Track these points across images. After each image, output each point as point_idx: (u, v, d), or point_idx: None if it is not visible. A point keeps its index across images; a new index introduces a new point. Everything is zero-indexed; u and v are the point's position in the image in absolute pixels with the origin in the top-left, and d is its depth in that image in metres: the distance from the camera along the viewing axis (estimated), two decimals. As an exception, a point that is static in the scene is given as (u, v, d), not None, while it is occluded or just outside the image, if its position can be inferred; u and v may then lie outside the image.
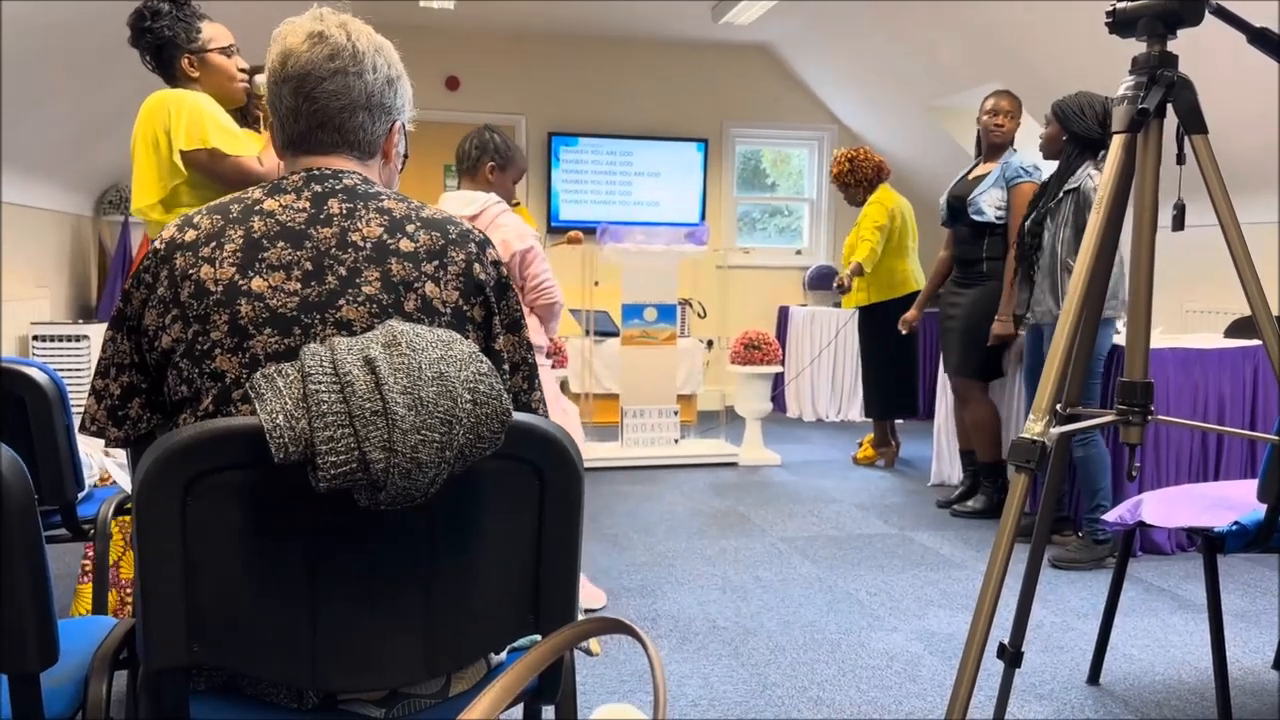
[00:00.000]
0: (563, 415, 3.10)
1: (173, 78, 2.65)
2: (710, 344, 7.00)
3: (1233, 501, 2.33)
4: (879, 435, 5.54)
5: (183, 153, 2.51)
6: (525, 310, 2.97)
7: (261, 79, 2.72)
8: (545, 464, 1.23)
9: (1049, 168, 3.91)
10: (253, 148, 2.60)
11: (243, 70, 2.71)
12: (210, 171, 2.54)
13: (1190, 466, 3.86)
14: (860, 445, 5.64)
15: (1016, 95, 4.38)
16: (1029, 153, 4.32)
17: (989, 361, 4.31)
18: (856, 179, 5.31)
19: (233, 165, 2.53)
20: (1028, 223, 3.84)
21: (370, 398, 1.08)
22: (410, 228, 1.31)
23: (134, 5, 2.62)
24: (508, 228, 2.96)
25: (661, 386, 5.49)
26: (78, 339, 4.48)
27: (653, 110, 7.55)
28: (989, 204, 4.22)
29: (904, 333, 4.94)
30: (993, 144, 4.32)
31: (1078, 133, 3.64)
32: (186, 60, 2.63)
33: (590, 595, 3.17)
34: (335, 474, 1.06)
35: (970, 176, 4.37)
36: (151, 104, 2.55)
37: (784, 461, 5.57)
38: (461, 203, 3.00)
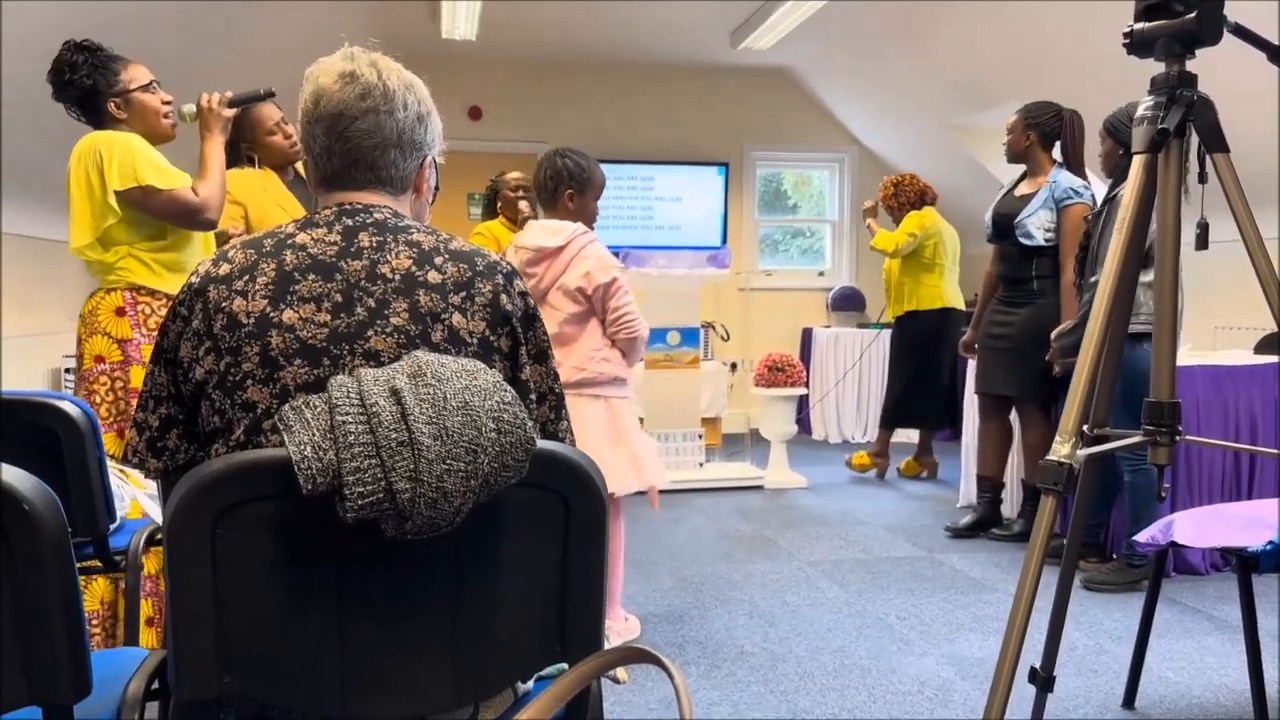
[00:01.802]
0: (645, 444, 3.05)
1: (101, 123, 2.69)
2: (734, 367, 6.99)
3: (1267, 520, 2.30)
4: (879, 445, 5.60)
5: (117, 192, 2.56)
6: (606, 343, 2.96)
7: (188, 107, 2.78)
8: (570, 492, 1.24)
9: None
10: (186, 179, 2.66)
11: (167, 103, 2.76)
12: (146, 208, 2.61)
13: (1223, 485, 3.81)
14: (901, 461, 5.67)
15: (1030, 108, 4.26)
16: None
17: (1050, 385, 4.17)
18: (899, 202, 5.49)
19: (167, 199, 2.60)
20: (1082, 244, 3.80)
21: (396, 428, 1.09)
22: (438, 260, 1.33)
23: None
24: (590, 259, 2.90)
25: (685, 410, 5.48)
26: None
27: (673, 135, 7.59)
28: (1037, 226, 4.12)
29: (966, 354, 4.82)
30: (1008, 160, 4.32)
31: (1129, 143, 3.59)
32: (112, 104, 2.68)
33: (627, 628, 3.13)
34: (362, 504, 1.07)
35: (1016, 194, 4.26)
36: (82, 147, 2.60)
37: (810, 484, 5.54)
38: (547, 234, 2.95)
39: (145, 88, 2.72)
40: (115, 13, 3.35)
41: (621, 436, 2.97)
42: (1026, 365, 4.17)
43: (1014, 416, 4.41)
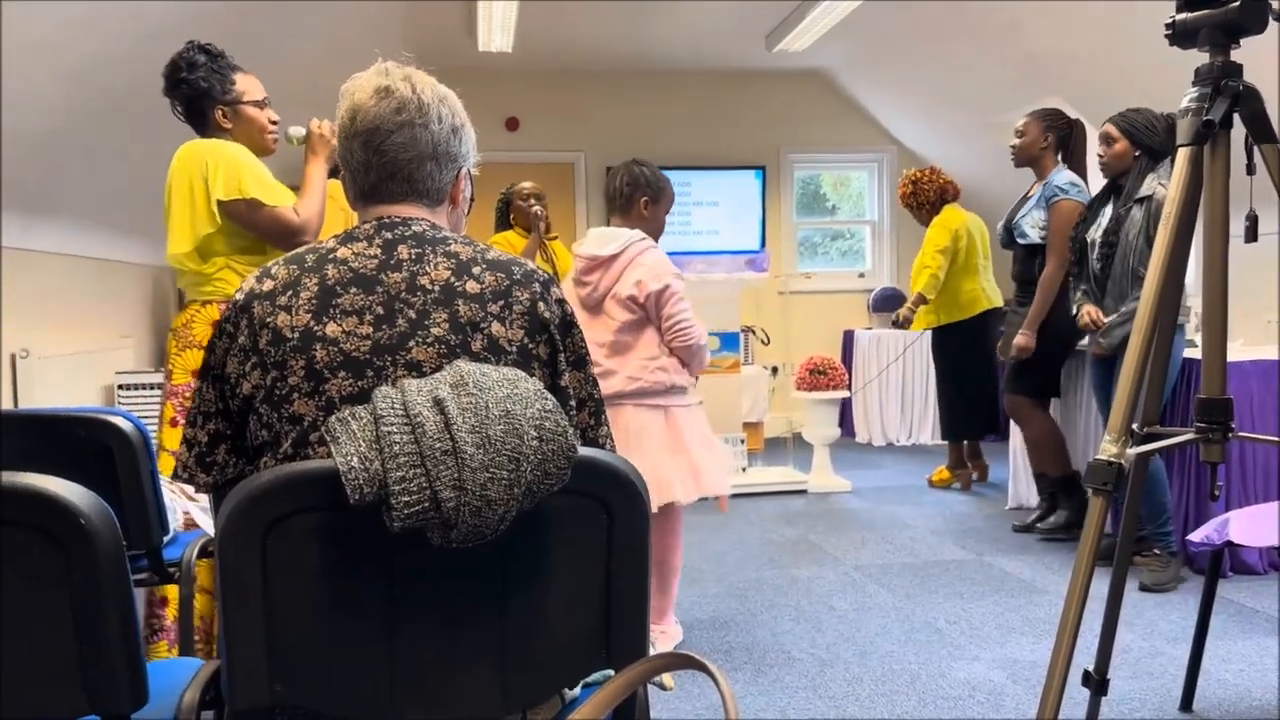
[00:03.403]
0: (710, 452, 3.03)
1: (204, 128, 2.67)
2: (775, 370, 6.96)
3: (1326, 518, 2.24)
4: (954, 457, 5.47)
5: (220, 203, 2.52)
6: (664, 351, 2.95)
7: (296, 130, 2.78)
8: (612, 497, 1.24)
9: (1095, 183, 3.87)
10: (290, 197, 2.62)
11: (274, 122, 2.74)
12: (248, 222, 2.56)
13: (1279, 482, 3.72)
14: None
15: (1045, 114, 4.33)
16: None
17: (1045, 379, 4.26)
18: (919, 200, 5.31)
19: (269, 215, 2.55)
20: (1074, 238, 3.84)
21: (440, 438, 1.10)
22: (476, 270, 1.35)
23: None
24: (645, 266, 2.89)
25: (727, 415, 5.46)
26: (160, 387, 4.62)
27: (710, 140, 7.59)
28: (1030, 225, 4.24)
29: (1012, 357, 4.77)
30: (1015, 165, 4.35)
31: (1153, 147, 3.58)
32: (220, 112, 2.65)
33: (670, 635, 3.12)
34: (409, 513, 1.08)
35: (1023, 197, 4.38)
36: (186, 154, 2.57)
37: (855, 488, 5.50)
38: (601, 241, 2.96)
39: (257, 103, 2.70)
40: (150, 23, 3.42)
41: (682, 446, 2.94)
42: (1024, 361, 4.26)
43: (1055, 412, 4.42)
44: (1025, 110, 4.46)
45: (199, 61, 2.61)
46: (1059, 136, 4.26)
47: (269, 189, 2.58)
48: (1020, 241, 4.28)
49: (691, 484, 2.91)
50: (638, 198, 3.02)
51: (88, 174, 4.00)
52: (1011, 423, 4.87)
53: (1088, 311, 3.73)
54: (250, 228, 2.57)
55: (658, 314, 2.90)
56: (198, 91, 2.62)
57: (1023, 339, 4.16)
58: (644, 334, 2.92)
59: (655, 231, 3.06)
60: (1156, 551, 3.62)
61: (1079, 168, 4.27)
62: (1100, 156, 3.74)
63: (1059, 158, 4.31)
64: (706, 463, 2.97)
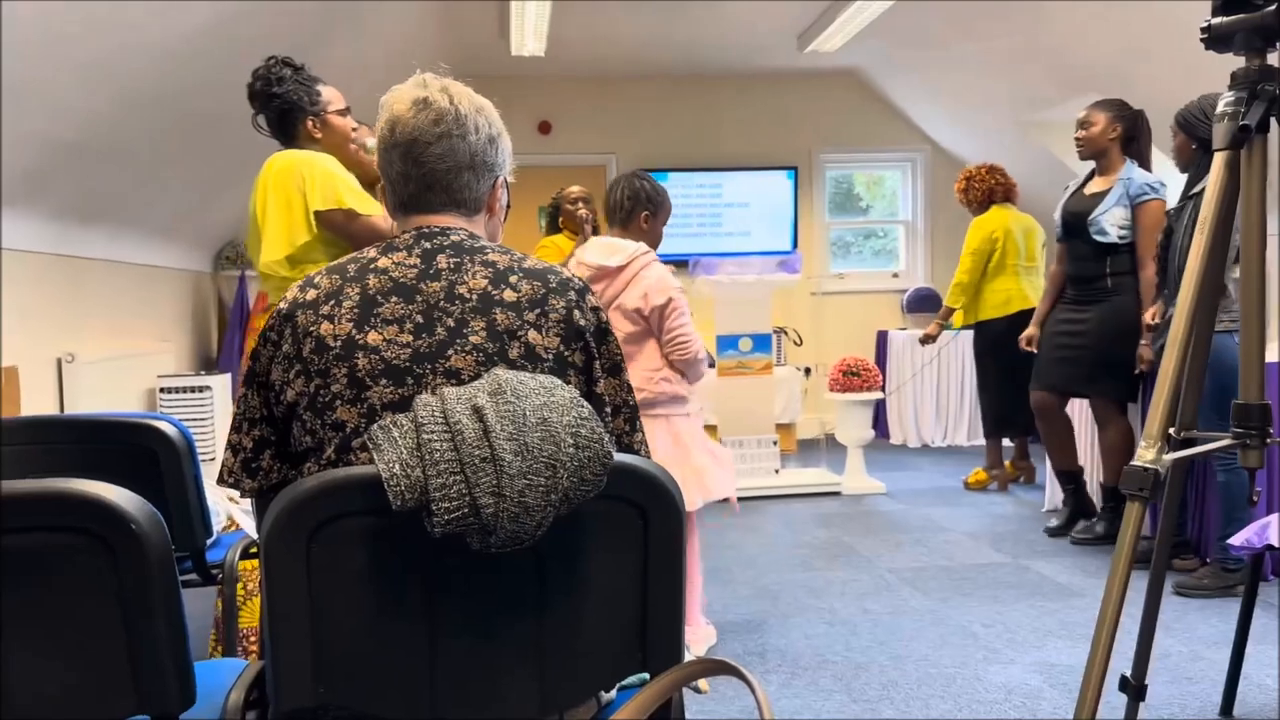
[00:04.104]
0: (713, 457, 3.07)
1: (293, 139, 2.75)
2: (808, 371, 6.95)
3: (1370, 523, 2.21)
4: (991, 458, 5.45)
5: (318, 213, 2.59)
6: (665, 362, 2.99)
7: (373, 140, 2.85)
8: (648, 503, 1.26)
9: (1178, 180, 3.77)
10: (380, 208, 2.68)
11: (355, 129, 2.82)
12: (344, 231, 2.63)
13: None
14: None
15: (1112, 104, 4.20)
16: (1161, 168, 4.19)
17: (1128, 382, 4.13)
18: (969, 198, 5.40)
19: (365, 224, 2.62)
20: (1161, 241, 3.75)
21: (479, 445, 1.12)
22: (513, 279, 1.37)
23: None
24: (649, 280, 2.95)
25: (759, 416, 5.47)
26: (201, 389, 4.70)
27: (741, 141, 7.58)
28: (1111, 223, 4.06)
29: (1028, 349, 4.74)
30: (1082, 157, 4.23)
31: (1204, 138, 3.50)
32: (310, 122, 2.74)
33: (704, 636, 3.14)
34: (449, 519, 1.11)
35: (1087, 192, 4.19)
36: (284, 166, 2.63)
37: (889, 490, 5.48)
38: (608, 252, 3.00)
39: (341, 112, 2.79)
40: (188, 34, 3.48)
41: (686, 453, 2.98)
42: (1104, 363, 4.12)
43: (1075, 413, 4.36)
44: (1061, 109, 4.41)
45: (286, 75, 2.71)
46: (1126, 129, 4.12)
47: (362, 199, 2.66)
48: (1099, 240, 4.07)
49: (696, 490, 2.94)
50: (639, 212, 3.07)
51: (120, 180, 4.08)
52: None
53: (1153, 312, 3.72)
54: (347, 237, 2.65)
55: (660, 327, 2.97)
56: (290, 104, 2.71)
57: (1145, 349, 3.91)
58: (647, 345, 2.99)
59: (654, 243, 3.11)
60: (1208, 562, 3.57)
61: (1144, 160, 4.14)
62: (1172, 151, 3.65)
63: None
64: (710, 467, 3.02)
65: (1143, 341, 3.96)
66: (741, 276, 5.38)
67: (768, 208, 7.61)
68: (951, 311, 5.32)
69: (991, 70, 6.17)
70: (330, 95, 2.78)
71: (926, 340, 5.48)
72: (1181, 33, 4.41)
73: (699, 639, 3.09)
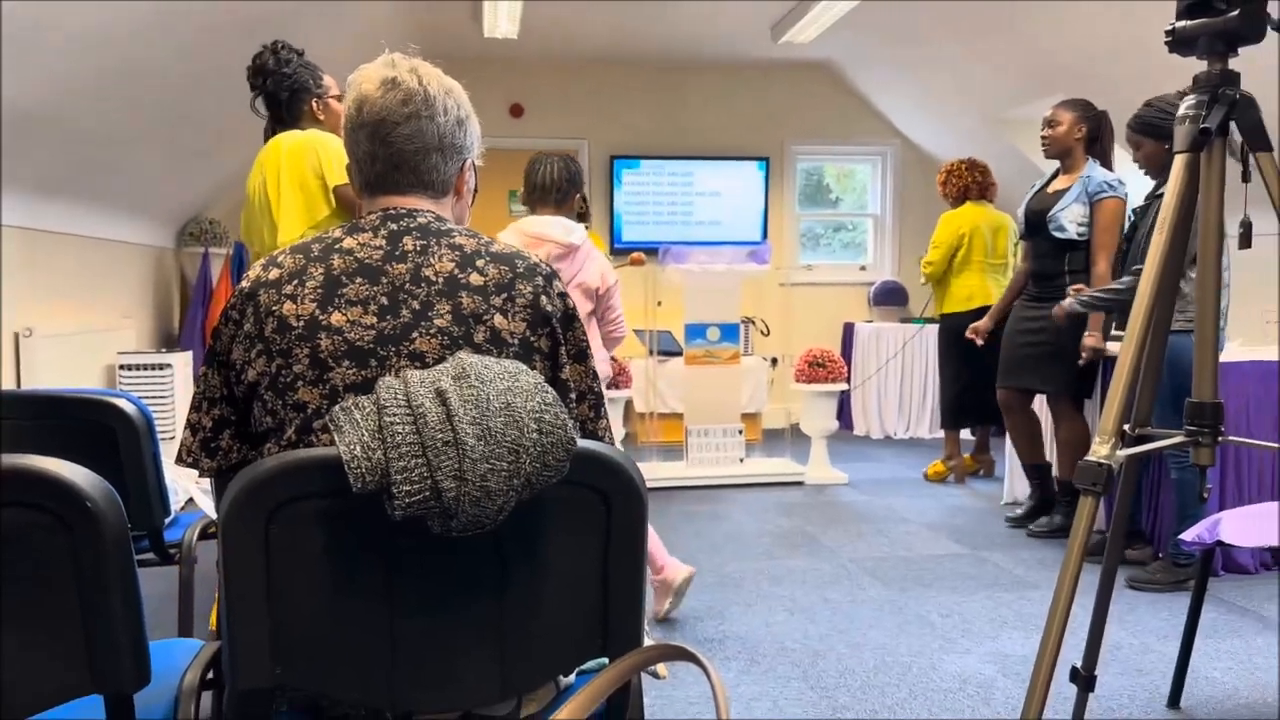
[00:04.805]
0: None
1: (295, 119, 2.80)
2: (774, 362, 6.99)
3: (1316, 520, 2.26)
4: (949, 449, 5.52)
5: (336, 188, 2.63)
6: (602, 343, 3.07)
7: None
8: (610, 490, 1.26)
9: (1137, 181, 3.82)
10: None
11: None
12: (354, 205, 2.66)
13: (1272, 483, 3.75)
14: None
15: (1077, 104, 4.26)
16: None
17: (1083, 378, 4.20)
18: (946, 191, 5.49)
19: None
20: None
21: (442, 428, 1.12)
22: (480, 262, 1.36)
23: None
24: (599, 259, 3.08)
25: (726, 405, 5.49)
26: (161, 367, 4.65)
27: (713, 131, 7.58)
28: (1070, 220, 4.13)
29: (978, 343, 4.83)
30: (1047, 156, 4.29)
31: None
32: (315, 104, 2.81)
33: (678, 568, 3.18)
34: (410, 502, 1.10)
35: (1050, 190, 4.26)
36: (296, 145, 2.66)
37: (851, 480, 5.53)
38: (565, 230, 3.05)
39: (339, 97, 2.83)
40: (156, 10, 3.43)
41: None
42: (1060, 360, 4.19)
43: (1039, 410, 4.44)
44: (1031, 107, 4.45)
45: (291, 59, 2.78)
46: (1091, 129, 4.18)
47: None
48: (1058, 236, 4.15)
49: None
50: (573, 192, 3.17)
51: (93, 154, 4.01)
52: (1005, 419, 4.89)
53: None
54: (354, 211, 2.65)
55: (606, 305, 3.07)
56: (299, 85, 2.79)
57: (1092, 339, 4.01)
58: (593, 326, 3.09)
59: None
60: (1161, 556, 3.64)
61: (1106, 160, 4.21)
62: (1141, 156, 3.68)
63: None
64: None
65: (1087, 332, 4.03)
66: (711, 266, 5.39)
67: (738, 198, 7.63)
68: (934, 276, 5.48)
69: (963, 67, 6.21)
70: (328, 81, 2.85)
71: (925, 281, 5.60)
72: (1151, 36, 4.46)
73: (680, 573, 3.16)
